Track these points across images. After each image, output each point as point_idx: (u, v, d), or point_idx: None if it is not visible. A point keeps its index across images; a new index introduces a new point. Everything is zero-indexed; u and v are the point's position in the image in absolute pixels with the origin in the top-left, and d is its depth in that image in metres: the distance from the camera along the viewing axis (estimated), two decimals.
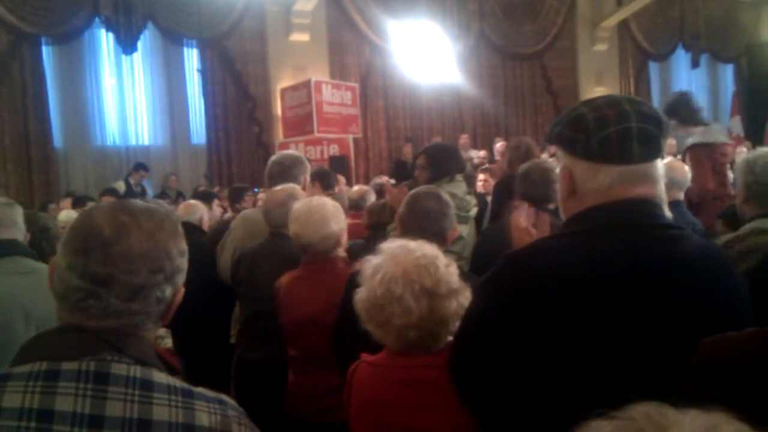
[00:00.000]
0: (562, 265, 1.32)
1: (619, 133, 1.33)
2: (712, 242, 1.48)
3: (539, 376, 1.31)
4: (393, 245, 1.75)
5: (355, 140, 10.60)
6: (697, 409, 0.61)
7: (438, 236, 2.20)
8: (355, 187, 5.42)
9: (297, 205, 2.72)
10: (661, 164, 1.39)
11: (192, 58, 10.43)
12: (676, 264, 1.31)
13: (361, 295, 1.70)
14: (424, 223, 2.27)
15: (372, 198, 4.89)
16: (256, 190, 6.94)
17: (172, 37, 10.02)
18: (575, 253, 1.34)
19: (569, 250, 1.36)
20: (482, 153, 10.14)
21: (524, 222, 1.93)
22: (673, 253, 1.32)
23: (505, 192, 3.43)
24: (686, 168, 3.43)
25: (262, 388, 2.92)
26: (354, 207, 4.53)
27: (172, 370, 1.20)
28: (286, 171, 3.49)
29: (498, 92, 12.73)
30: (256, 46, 10.45)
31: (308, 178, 3.65)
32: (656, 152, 1.37)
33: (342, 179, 6.20)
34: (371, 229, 3.68)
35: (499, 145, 7.56)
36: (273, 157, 3.68)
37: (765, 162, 2.33)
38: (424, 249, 1.73)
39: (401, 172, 7.66)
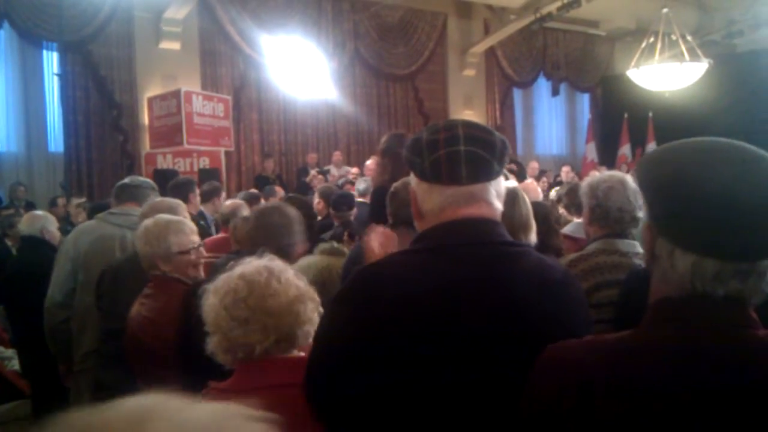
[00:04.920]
0: (402, 280, 1.36)
1: (447, 156, 1.39)
2: (551, 259, 1.56)
3: (387, 391, 1.34)
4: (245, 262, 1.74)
5: (228, 153, 10.40)
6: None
7: (281, 251, 2.17)
8: (227, 202, 5.32)
9: (145, 221, 2.63)
10: (495, 186, 1.44)
11: (52, 61, 9.83)
12: (512, 280, 1.36)
13: (211, 300, 1.64)
14: (267, 237, 2.26)
15: (244, 212, 4.80)
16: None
17: (30, 39, 9.41)
18: (414, 268, 1.38)
19: (410, 266, 1.40)
20: (354, 170, 10.25)
21: (376, 243, 1.97)
22: (510, 269, 1.38)
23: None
24: (539, 189, 3.63)
25: None
26: (225, 222, 4.43)
27: (18, 393, 1.12)
28: (135, 189, 3.53)
29: (372, 111, 12.93)
30: (123, 52, 10.02)
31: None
32: (487, 174, 1.42)
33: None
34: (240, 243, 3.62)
35: (369, 162, 7.66)
36: (127, 179, 3.70)
37: (606, 186, 2.51)
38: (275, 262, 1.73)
39: (262, 187, 7.68)
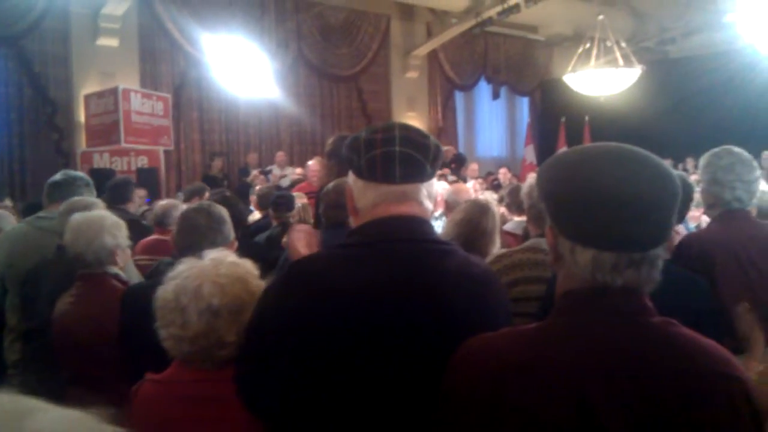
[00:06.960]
0: (332, 273, 1.41)
1: (383, 155, 1.45)
2: (476, 257, 1.64)
3: (312, 382, 1.39)
4: (211, 254, 1.74)
5: (167, 152, 10.22)
6: None
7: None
8: (162, 202, 5.22)
9: (74, 216, 2.61)
10: (427, 187, 1.51)
11: None
12: (437, 275, 1.43)
13: (159, 291, 1.68)
14: (194, 239, 2.23)
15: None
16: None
17: None
18: (345, 263, 1.44)
19: (341, 260, 1.45)
20: (298, 170, 10.22)
21: (301, 242, 2.01)
22: (436, 265, 1.44)
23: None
24: (471, 191, 3.75)
25: None
26: (160, 223, 4.32)
27: None
28: (68, 187, 3.37)
29: (315, 111, 12.92)
30: (59, 48, 9.75)
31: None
32: (419, 175, 1.49)
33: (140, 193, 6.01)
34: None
35: (311, 162, 7.68)
36: (58, 176, 3.49)
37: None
38: (238, 268, 1.71)
39: (211, 187, 7.58)
